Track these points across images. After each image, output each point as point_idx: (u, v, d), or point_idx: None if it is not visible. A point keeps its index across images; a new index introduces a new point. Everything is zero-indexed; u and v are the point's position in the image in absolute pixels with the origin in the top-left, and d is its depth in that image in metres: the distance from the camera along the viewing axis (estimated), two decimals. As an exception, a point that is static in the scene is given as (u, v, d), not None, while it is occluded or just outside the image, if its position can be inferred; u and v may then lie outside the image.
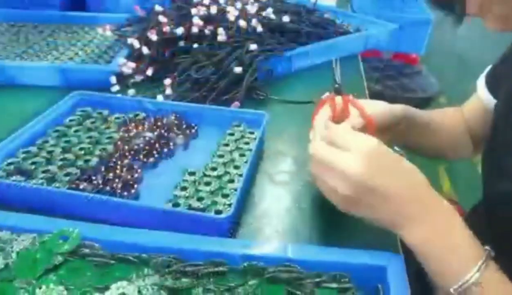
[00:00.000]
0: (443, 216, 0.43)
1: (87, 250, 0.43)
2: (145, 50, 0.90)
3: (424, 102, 1.67)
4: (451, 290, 0.40)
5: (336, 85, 0.58)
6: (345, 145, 0.44)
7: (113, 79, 0.85)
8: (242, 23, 0.91)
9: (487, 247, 0.42)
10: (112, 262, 0.43)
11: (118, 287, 0.41)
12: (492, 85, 0.67)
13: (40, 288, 0.40)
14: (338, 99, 0.57)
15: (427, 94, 1.62)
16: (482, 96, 0.69)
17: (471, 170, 2.31)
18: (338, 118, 0.56)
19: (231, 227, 0.53)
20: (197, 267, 0.43)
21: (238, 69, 0.83)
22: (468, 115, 0.74)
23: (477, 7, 0.47)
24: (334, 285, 0.43)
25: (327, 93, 0.58)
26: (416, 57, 2.00)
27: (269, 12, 0.97)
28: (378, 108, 0.58)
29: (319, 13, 1.15)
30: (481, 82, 0.70)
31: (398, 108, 0.61)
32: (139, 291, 0.41)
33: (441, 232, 0.42)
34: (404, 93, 1.66)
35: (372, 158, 0.43)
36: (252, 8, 0.97)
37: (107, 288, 0.40)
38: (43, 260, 0.42)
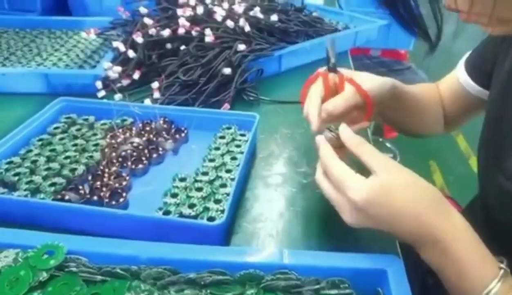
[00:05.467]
0: (452, 238, 0.41)
1: (73, 265, 0.41)
2: (131, 53, 0.88)
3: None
4: None
5: (331, 63, 0.57)
6: (343, 190, 0.44)
7: (99, 85, 0.83)
8: (229, 23, 0.89)
9: (502, 265, 0.41)
10: (99, 277, 0.41)
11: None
12: (473, 70, 0.67)
13: (24, 307, 0.38)
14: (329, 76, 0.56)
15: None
16: (461, 77, 0.68)
17: (464, 165, 2.32)
18: (330, 95, 0.55)
19: (225, 234, 0.52)
20: (199, 276, 0.41)
21: (227, 70, 0.81)
22: (444, 92, 0.74)
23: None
24: (334, 292, 0.41)
25: (322, 68, 0.58)
26: (405, 53, 2.00)
27: (256, 11, 0.95)
28: (372, 83, 0.57)
29: (307, 12, 1.14)
30: (461, 65, 0.70)
31: (389, 82, 0.59)
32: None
33: (453, 251, 0.41)
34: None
35: (372, 203, 0.42)
36: (239, 8, 0.95)
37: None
38: (27, 278, 0.39)
